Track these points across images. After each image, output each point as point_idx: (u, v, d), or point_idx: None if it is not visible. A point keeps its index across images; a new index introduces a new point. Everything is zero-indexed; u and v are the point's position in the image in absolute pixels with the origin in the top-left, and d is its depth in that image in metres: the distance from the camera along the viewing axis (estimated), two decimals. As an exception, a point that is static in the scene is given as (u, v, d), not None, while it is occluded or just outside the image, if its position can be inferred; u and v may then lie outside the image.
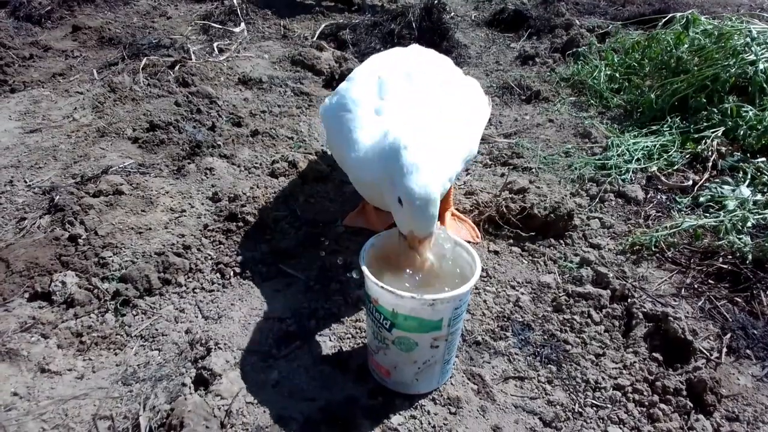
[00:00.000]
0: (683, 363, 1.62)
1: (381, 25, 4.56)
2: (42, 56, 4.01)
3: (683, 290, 1.95)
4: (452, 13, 5.49)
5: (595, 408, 1.50)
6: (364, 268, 1.36)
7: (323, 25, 4.91)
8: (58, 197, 2.16)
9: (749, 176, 2.45)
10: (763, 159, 2.56)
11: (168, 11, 5.26)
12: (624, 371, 1.61)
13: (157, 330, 1.66)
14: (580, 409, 1.49)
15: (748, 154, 2.65)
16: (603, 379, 1.57)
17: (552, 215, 2.11)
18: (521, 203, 2.15)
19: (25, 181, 2.37)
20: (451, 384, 1.53)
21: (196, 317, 1.72)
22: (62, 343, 1.59)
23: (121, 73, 3.40)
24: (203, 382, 1.47)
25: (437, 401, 1.48)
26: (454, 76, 2.05)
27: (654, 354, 1.65)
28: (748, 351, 1.69)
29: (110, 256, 1.89)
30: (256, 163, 2.60)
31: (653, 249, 2.11)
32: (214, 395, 1.41)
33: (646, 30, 3.92)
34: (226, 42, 4.37)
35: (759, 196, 2.31)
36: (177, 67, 3.52)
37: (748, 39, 3.02)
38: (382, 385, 1.51)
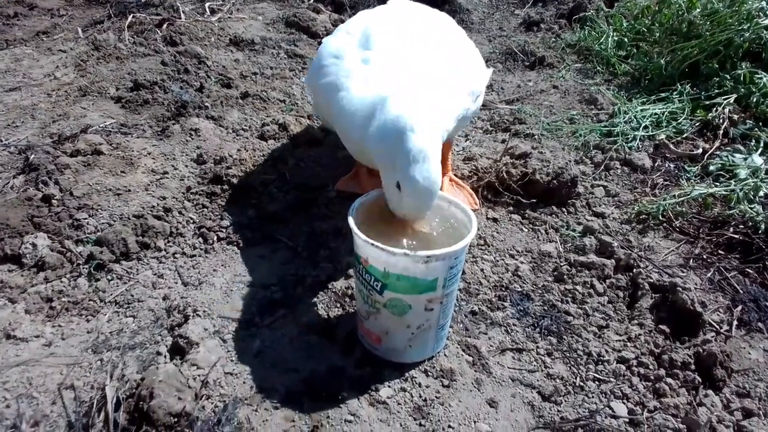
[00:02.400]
0: (691, 336, 1.52)
1: (380, -13, 4.37)
2: (27, 15, 3.85)
3: (691, 261, 1.84)
4: (454, -23, 5.29)
5: (597, 382, 1.41)
6: (353, 225, 1.25)
7: (320, -13, 4.72)
8: (33, 156, 2.04)
9: (762, 144, 2.33)
10: (777, 127, 2.44)
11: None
12: (629, 344, 1.51)
13: (132, 296, 1.56)
14: (582, 383, 1.40)
15: (761, 122, 2.52)
16: (606, 351, 1.48)
17: (555, 181, 1.99)
18: (522, 168, 2.04)
19: (1, 140, 2.25)
20: (445, 355, 1.44)
21: (176, 283, 1.62)
22: (30, 309, 1.49)
23: (106, 31, 3.24)
24: (179, 350, 1.37)
25: (429, 373, 1.39)
26: (450, 30, 1.91)
27: (660, 326, 1.56)
28: (759, 324, 1.59)
29: (85, 218, 1.78)
30: (245, 125, 2.48)
31: (660, 218, 2.01)
32: (189, 365, 1.32)
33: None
34: (218, 3, 4.19)
35: (773, 165, 2.19)
36: (165, 26, 3.35)
37: (764, 3, 2.86)
38: (370, 355, 1.41)
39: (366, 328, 1.40)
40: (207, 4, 4.06)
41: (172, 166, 2.11)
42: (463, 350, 1.47)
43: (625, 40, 3.33)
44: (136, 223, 1.75)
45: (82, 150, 2.08)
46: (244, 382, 1.32)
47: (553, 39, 3.76)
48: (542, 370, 1.43)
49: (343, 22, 3.85)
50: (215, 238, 1.79)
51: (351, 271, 1.68)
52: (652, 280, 1.69)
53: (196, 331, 1.39)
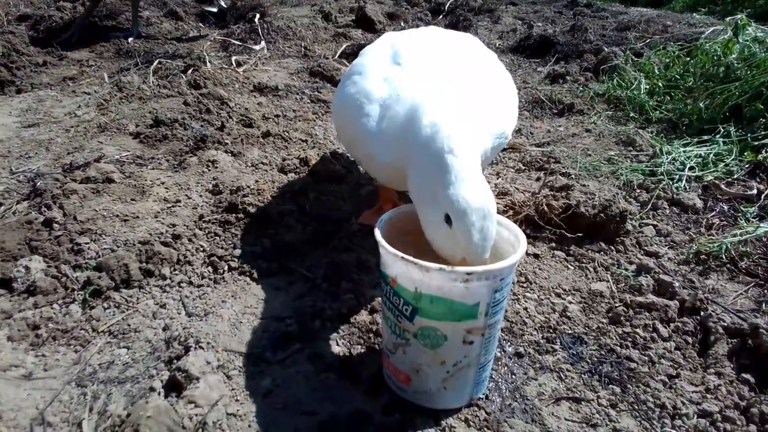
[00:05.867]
0: (783, 387, 1.27)
1: (405, 42, 4.40)
2: (56, 64, 3.90)
3: (764, 305, 1.61)
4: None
5: (676, 439, 1.15)
6: (380, 238, 1.08)
7: (345, 45, 4.79)
8: (40, 182, 1.93)
9: (825, 184, 2.14)
10: (839, 167, 2.25)
11: (190, 33, 5.20)
12: (708, 395, 1.26)
13: (129, 326, 1.37)
14: (657, 440, 1.15)
15: (818, 164, 2.34)
16: (683, 404, 1.23)
17: (602, 215, 1.80)
18: (565, 201, 1.86)
19: (11, 170, 2.15)
20: (488, 400, 1.21)
21: (179, 314, 1.44)
22: (14, 335, 1.31)
23: (131, 75, 3.24)
24: (176, 386, 1.17)
25: (471, 422, 1.15)
26: (481, 50, 1.80)
27: (743, 375, 1.31)
28: None
29: (87, 243, 1.62)
30: (264, 161, 2.36)
31: (723, 258, 1.79)
32: (186, 402, 1.11)
33: (683, 48, 3.67)
34: (244, 57, 4.24)
35: (842, 204, 1.98)
36: (190, 71, 3.36)
37: (808, 45, 2.76)
38: (398, 399, 1.19)
39: (393, 365, 1.18)
40: (234, 58, 4.11)
41: (186, 195, 1.97)
42: (510, 396, 1.23)
43: (660, 85, 3.22)
44: (141, 249, 1.59)
45: (93, 177, 1.97)
46: (249, 426, 1.10)
47: (581, 89, 3.67)
48: (607, 424, 1.19)
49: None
50: (226, 268, 1.62)
51: (377, 305, 1.48)
52: (726, 324, 1.46)
53: (197, 364, 1.19)
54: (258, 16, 5.22)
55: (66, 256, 1.57)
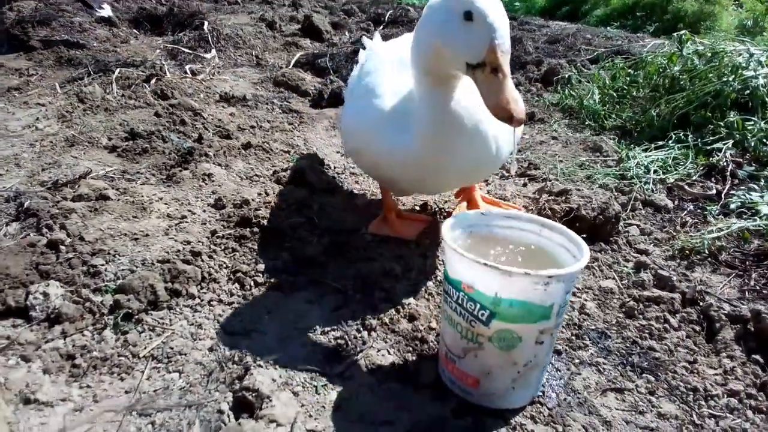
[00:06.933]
0: (788, 364, 1.43)
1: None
2: (-8, 74, 3.60)
3: (747, 293, 1.80)
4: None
5: (714, 419, 1.27)
6: (455, 246, 1.11)
7: (299, 54, 4.76)
8: (28, 202, 1.79)
9: (774, 183, 2.41)
10: (781, 167, 2.54)
11: (129, 40, 4.96)
12: (728, 377, 1.40)
13: (172, 349, 1.32)
14: (700, 422, 1.26)
15: (762, 164, 2.63)
16: (711, 386, 1.36)
17: (601, 216, 1.94)
18: (566, 205, 1.97)
19: (-17, 189, 1.98)
20: (546, 396, 1.27)
21: (217, 333, 1.39)
22: (49, 367, 1.22)
23: (90, 84, 3.05)
24: (247, 406, 1.14)
25: (537, 419, 1.21)
26: None
27: (753, 356, 1.46)
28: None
29: (102, 264, 1.53)
30: (256, 172, 2.32)
31: (705, 253, 1.97)
32: (267, 421, 1.08)
33: (627, 60, 3.98)
34: (198, 66, 4.11)
35: (792, 201, 2.24)
36: (153, 81, 3.21)
37: (740, 59, 3.08)
38: (464, 402, 1.23)
39: (460, 370, 1.22)
40: (187, 67, 3.98)
41: (189, 210, 1.90)
42: (564, 392, 1.30)
43: (614, 94, 3.47)
44: (163, 268, 1.52)
45: (86, 195, 1.85)
46: (333, 441, 1.09)
47: (536, 98, 3.88)
48: (651, 410, 1.29)
49: (332, 81, 3.86)
50: (252, 284, 1.58)
51: (414, 313, 1.51)
52: (726, 311, 1.61)
53: (265, 382, 1.16)
54: (207, 23, 5.07)
55: (83, 280, 1.47)
